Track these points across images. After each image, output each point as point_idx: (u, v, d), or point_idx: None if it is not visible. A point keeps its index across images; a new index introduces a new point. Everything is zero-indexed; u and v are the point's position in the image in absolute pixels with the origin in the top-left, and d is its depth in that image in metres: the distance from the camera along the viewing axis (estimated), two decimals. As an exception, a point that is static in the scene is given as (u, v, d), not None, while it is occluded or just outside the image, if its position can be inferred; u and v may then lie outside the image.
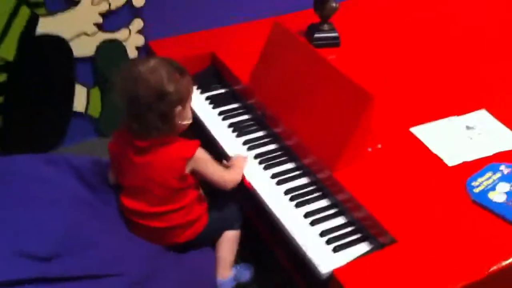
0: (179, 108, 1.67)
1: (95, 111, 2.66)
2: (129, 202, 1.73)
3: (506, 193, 1.60)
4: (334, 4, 2.30)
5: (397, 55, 2.30)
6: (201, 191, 1.84)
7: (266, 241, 1.88)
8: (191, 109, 1.78)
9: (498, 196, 1.59)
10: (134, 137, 1.67)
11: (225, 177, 1.79)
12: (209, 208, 1.85)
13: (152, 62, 1.65)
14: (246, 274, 1.95)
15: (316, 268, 1.53)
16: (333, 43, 2.36)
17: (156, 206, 1.71)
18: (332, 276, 1.43)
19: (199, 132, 2.02)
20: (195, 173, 1.73)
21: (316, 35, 2.36)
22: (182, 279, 1.69)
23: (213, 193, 1.87)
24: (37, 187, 1.70)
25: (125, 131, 1.70)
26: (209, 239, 1.85)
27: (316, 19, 2.36)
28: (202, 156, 1.74)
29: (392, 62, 2.26)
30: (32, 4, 2.33)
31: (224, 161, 1.88)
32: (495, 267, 1.43)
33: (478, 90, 2.09)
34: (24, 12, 2.32)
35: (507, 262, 1.45)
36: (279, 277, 1.92)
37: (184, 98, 1.69)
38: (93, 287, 1.50)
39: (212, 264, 1.84)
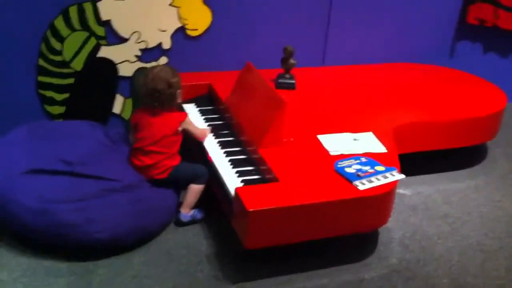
0: (179, 90, 2.77)
1: (127, 115, 3.51)
2: (138, 144, 2.76)
3: (356, 169, 2.59)
4: (293, 61, 3.42)
5: (327, 98, 3.41)
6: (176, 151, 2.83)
7: (216, 197, 2.87)
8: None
9: (350, 169, 2.59)
10: (153, 108, 2.74)
11: (200, 133, 2.90)
12: (186, 163, 2.84)
13: (158, 68, 2.78)
14: (199, 215, 2.87)
15: (230, 192, 2.53)
16: (291, 87, 3.45)
17: (152, 146, 2.72)
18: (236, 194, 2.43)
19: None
20: (184, 130, 2.79)
21: (279, 80, 3.47)
22: (151, 197, 2.68)
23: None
24: (81, 133, 2.87)
25: (142, 108, 2.79)
26: (178, 184, 2.83)
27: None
28: (189, 121, 2.85)
29: (323, 101, 3.36)
30: (98, 37, 3.28)
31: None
32: (337, 199, 2.44)
33: (372, 122, 3.13)
34: (92, 41, 3.28)
35: (343, 198, 2.45)
36: (220, 219, 2.85)
37: (180, 86, 2.79)
38: (100, 182, 2.55)
39: (172, 199, 2.80)
